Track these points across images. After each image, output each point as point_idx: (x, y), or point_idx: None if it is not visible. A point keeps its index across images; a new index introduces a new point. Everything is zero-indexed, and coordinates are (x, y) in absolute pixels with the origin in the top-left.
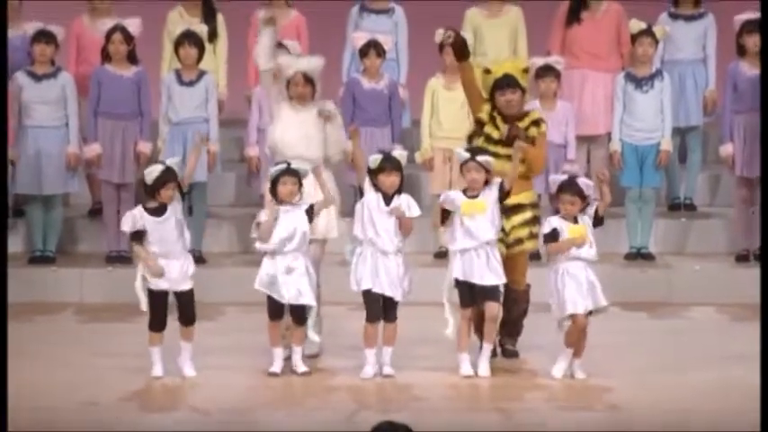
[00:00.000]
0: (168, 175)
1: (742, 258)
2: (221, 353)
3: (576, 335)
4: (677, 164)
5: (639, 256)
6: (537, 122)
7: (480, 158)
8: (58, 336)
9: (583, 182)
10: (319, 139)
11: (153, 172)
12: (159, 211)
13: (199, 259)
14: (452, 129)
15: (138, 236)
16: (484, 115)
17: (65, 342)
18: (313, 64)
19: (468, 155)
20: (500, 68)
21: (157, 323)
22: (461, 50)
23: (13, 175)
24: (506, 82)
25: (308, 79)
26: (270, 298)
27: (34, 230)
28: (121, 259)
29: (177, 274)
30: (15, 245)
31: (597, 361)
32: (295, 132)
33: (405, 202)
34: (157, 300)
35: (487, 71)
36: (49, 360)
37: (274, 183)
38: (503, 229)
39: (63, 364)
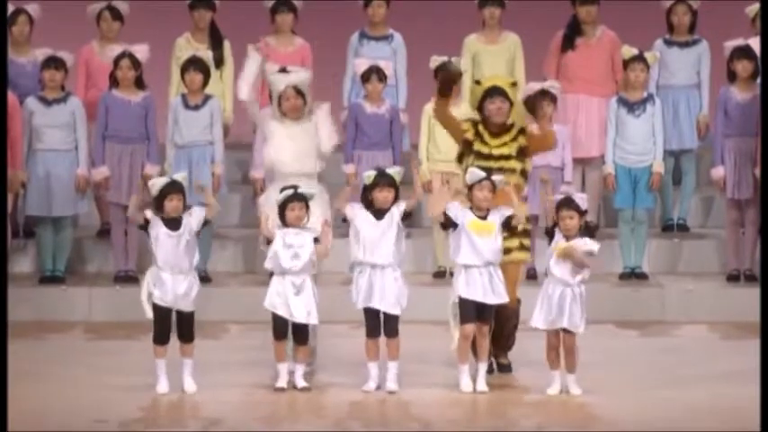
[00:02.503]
0: (171, 188)
1: (733, 278)
2: (225, 369)
3: (551, 352)
4: (671, 186)
5: (633, 275)
6: (523, 130)
7: (495, 178)
8: (68, 353)
9: (579, 197)
10: (313, 153)
11: (156, 184)
12: (174, 225)
13: (204, 278)
14: (449, 152)
15: (143, 226)
16: (470, 135)
17: (74, 360)
18: (302, 77)
19: (483, 174)
20: (489, 81)
21: (161, 337)
22: (449, 86)
23: (23, 197)
24: (496, 91)
25: (299, 92)
26: (275, 318)
27: (44, 251)
28: (129, 279)
29: (183, 290)
30: (26, 265)
31: (591, 378)
32: (288, 150)
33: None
34: (161, 314)
35: (478, 82)
36: (59, 378)
37: (282, 208)
38: None
39: (72, 381)
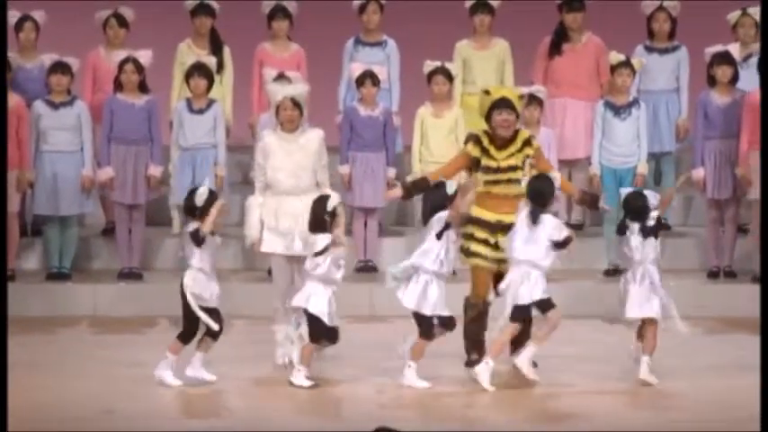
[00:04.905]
0: (214, 198)
1: (713, 275)
2: (231, 363)
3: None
4: (653, 186)
5: (617, 272)
6: (529, 141)
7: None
8: (74, 347)
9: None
10: (310, 167)
11: (202, 195)
12: (212, 231)
13: None
14: (441, 154)
15: (200, 243)
16: (476, 152)
17: (80, 353)
18: (299, 89)
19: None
20: (498, 92)
21: (190, 336)
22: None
23: (31, 196)
24: (505, 103)
25: (296, 103)
26: (320, 321)
27: (51, 249)
28: (132, 275)
29: (218, 291)
30: (33, 262)
31: (578, 371)
32: (286, 166)
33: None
34: (195, 316)
35: (487, 92)
36: (66, 370)
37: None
38: (496, 246)
39: (78, 374)
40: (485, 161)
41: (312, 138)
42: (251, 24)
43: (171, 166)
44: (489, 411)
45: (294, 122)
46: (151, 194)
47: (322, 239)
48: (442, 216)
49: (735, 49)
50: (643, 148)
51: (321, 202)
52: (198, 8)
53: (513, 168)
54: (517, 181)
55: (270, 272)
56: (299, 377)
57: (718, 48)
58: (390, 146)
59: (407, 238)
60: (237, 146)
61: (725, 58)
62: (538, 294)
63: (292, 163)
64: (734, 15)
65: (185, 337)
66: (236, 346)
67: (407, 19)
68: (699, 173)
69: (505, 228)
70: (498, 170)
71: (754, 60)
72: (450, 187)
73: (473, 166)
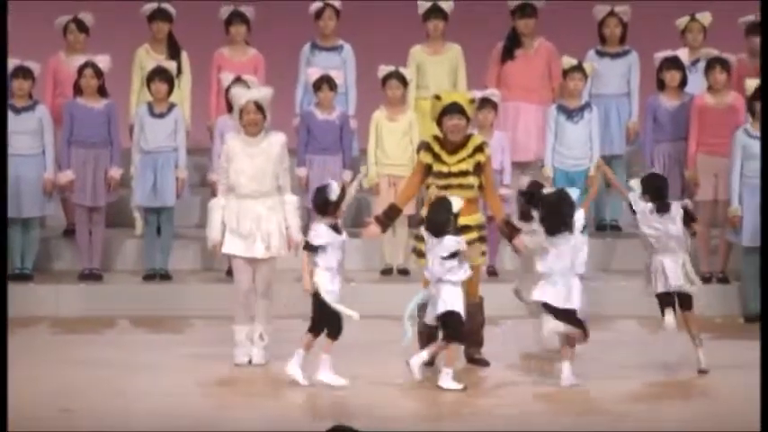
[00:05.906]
0: (344, 194)
1: None
2: (190, 363)
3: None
4: (604, 189)
5: None
6: (481, 148)
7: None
8: (36, 347)
9: None
10: (271, 171)
11: (335, 190)
12: (338, 229)
13: (165, 277)
14: (396, 156)
15: (315, 249)
16: (428, 159)
17: (41, 353)
18: (263, 93)
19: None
20: (449, 97)
21: (337, 331)
22: None
23: None
24: (455, 108)
25: (259, 107)
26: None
27: (13, 250)
28: (93, 276)
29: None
30: None
31: (533, 370)
32: (247, 172)
33: None
34: (328, 309)
35: (438, 98)
36: (27, 370)
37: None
38: None
39: (40, 373)
40: (436, 166)
41: (274, 142)
42: (208, 29)
43: (132, 168)
44: (448, 408)
45: (257, 126)
46: (111, 196)
47: (451, 242)
48: (579, 215)
49: (683, 54)
50: (595, 151)
51: (444, 205)
52: (155, 13)
53: (465, 173)
54: (469, 186)
55: (228, 272)
56: (448, 380)
57: (668, 52)
58: (347, 149)
59: (363, 239)
60: (196, 148)
61: (674, 62)
62: None
63: (254, 167)
64: (682, 21)
65: (315, 329)
66: (194, 346)
67: (363, 24)
68: None
69: (457, 231)
70: (450, 175)
71: (702, 64)
72: (574, 193)
73: (428, 172)
